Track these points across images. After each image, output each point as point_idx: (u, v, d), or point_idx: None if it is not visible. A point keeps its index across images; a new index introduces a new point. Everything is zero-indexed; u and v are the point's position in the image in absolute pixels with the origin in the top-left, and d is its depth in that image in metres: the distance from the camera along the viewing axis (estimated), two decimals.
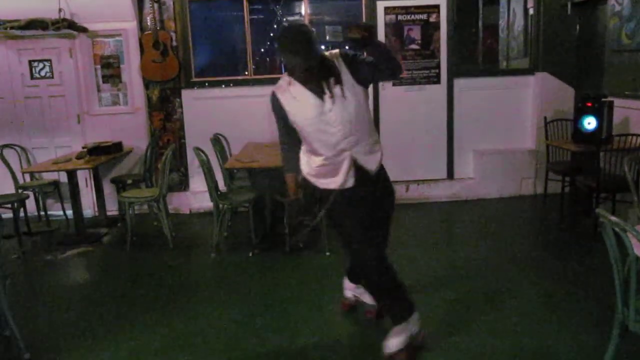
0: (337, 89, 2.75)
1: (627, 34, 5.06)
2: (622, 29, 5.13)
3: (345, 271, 3.54)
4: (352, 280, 3.52)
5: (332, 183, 2.88)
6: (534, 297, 3.75)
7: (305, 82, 2.76)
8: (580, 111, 5.13)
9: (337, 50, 2.84)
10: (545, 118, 5.84)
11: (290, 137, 3.02)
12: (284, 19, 6.84)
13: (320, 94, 2.76)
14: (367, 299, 3.44)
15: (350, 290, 3.56)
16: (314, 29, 2.74)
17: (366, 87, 2.86)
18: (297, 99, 2.80)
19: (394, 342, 2.94)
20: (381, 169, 3.01)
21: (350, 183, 2.88)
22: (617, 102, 5.05)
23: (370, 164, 2.92)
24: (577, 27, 6.05)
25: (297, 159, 3.05)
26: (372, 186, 2.96)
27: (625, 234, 2.21)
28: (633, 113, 5.02)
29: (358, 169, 2.88)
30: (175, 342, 3.30)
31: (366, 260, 2.91)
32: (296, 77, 2.76)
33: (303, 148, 3.02)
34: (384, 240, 3.14)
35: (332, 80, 2.75)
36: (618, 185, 4.68)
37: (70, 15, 5.95)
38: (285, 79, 2.86)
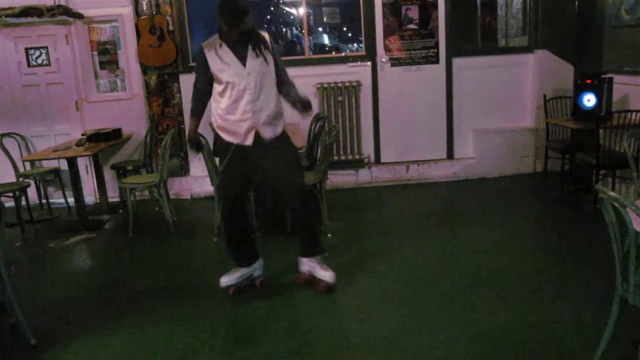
0: (260, 58, 3.27)
1: (626, 10, 5.02)
2: (621, 4, 5.09)
3: (300, 248, 3.73)
4: (307, 255, 3.69)
5: (234, 138, 3.36)
6: (534, 273, 3.78)
7: (234, 46, 3.25)
8: (580, 88, 5.11)
9: (266, 33, 3.42)
10: (544, 96, 5.83)
11: (203, 87, 3.42)
12: (281, 1, 6.79)
13: (243, 59, 3.26)
14: (319, 273, 3.65)
15: (305, 264, 3.72)
16: (248, 3, 3.21)
17: (274, 69, 3.37)
18: (223, 60, 3.27)
19: (225, 279, 3.64)
20: (277, 139, 3.43)
21: (249, 142, 3.35)
22: (617, 78, 5.02)
23: (266, 132, 3.37)
24: (576, 3, 5.99)
25: (202, 107, 3.54)
26: (263, 151, 3.40)
27: (624, 209, 2.22)
28: (633, 89, 5.01)
29: (256, 133, 3.35)
30: (179, 326, 3.33)
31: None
32: (227, 41, 3.25)
33: (215, 103, 3.40)
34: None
35: (257, 49, 3.26)
36: (618, 161, 4.69)
37: (65, 2, 5.91)
38: (216, 39, 3.30)
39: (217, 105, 3.39)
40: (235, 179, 3.50)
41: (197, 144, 3.69)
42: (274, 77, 3.39)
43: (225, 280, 3.65)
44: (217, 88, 3.36)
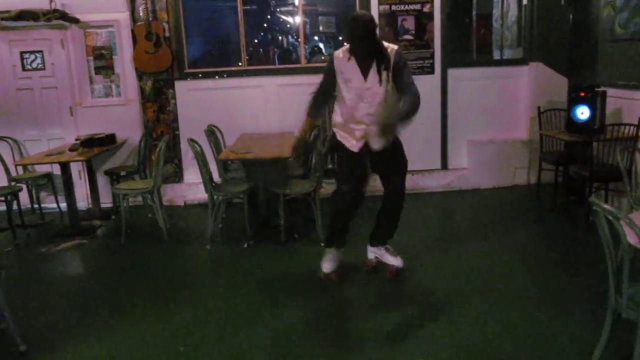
0: (382, 76, 3.46)
1: (620, 24, 5.07)
2: (615, 18, 5.13)
3: (369, 235, 4.04)
4: (373, 243, 4.03)
5: (347, 142, 3.65)
6: (527, 285, 3.78)
7: (359, 60, 3.47)
8: (574, 101, 5.14)
9: (397, 47, 3.52)
10: (539, 108, 5.85)
11: (324, 90, 3.72)
12: (277, 10, 6.82)
13: (366, 74, 3.48)
14: (389, 259, 3.97)
15: (372, 252, 4.07)
16: (370, 24, 3.37)
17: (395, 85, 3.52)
18: (350, 71, 3.52)
19: (327, 265, 3.90)
20: (386, 149, 3.61)
21: (356, 149, 3.62)
22: (610, 92, 5.06)
23: (374, 143, 3.59)
24: (571, 17, 6.05)
25: (319, 109, 3.81)
26: (371, 157, 3.67)
27: (618, 222, 2.23)
28: (626, 103, 5.04)
29: (366, 142, 3.60)
30: (171, 333, 3.31)
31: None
32: (355, 56, 3.47)
33: (337, 106, 3.71)
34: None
35: (381, 67, 3.45)
36: (611, 174, 4.71)
37: (62, 6, 5.90)
38: (345, 52, 3.54)
39: (339, 108, 3.68)
40: (349, 171, 3.73)
41: (305, 148, 3.78)
42: (389, 93, 3.53)
43: (327, 267, 3.93)
44: (339, 95, 3.64)
